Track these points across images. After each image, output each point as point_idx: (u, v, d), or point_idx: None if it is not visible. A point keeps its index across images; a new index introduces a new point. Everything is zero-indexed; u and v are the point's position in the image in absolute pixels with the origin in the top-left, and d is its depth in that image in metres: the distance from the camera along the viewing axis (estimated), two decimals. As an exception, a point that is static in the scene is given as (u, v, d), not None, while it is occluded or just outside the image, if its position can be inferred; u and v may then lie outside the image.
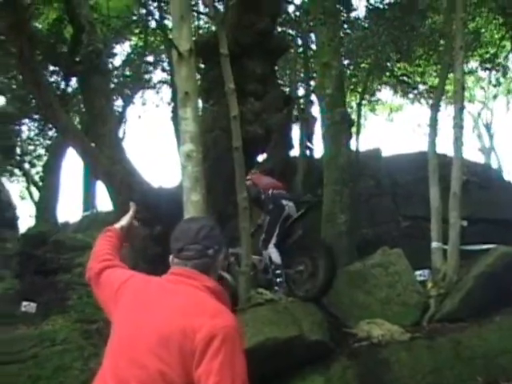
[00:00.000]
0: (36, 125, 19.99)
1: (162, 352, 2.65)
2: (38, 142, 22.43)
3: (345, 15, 13.40)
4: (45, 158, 22.04)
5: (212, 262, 2.98)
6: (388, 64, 19.04)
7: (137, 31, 19.91)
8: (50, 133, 20.60)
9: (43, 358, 8.03)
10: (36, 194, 23.89)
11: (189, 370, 2.62)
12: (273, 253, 8.76)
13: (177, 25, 5.43)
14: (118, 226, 3.59)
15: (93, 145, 9.37)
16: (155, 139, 66.28)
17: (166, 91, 22.77)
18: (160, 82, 22.66)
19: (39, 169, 22.83)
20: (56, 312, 10.22)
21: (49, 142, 21.61)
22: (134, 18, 18.84)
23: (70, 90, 15.59)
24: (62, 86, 15.39)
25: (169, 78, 21.50)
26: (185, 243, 2.97)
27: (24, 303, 11.12)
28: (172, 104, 21.21)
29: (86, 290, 9.85)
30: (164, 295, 2.85)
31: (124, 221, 3.65)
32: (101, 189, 24.61)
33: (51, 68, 13.91)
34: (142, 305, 2.85)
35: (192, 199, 5.04)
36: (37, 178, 24.62)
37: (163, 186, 8.93)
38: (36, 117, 18.35)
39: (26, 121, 19.19)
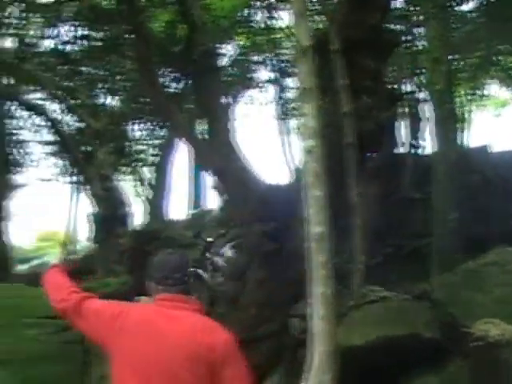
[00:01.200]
0: (147, 125, 20.54)
1: (193, 366, 3.23)
2: (148, 142, 23.07)
3: (455, 9, 13.11)
4: (154, 158, 22.55)
5: (188, 286, 3.54)
6: (496, 58, 18.55)
7: (243, 31, 20.04)
8: (160, 132, 21.12)
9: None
10: (146, 192, 24.46)
11: (214, 375, 3.26)
12: None
13: (297, 22, 5.49)
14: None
15: (206, 143, 9.58)
16: (260, 137, 67.10)
17: (271, 90, 22.96)
18: (266, 81, 22.84)
19: (149, 167, 23.39)
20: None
21: (158, 142, 22.14)
22: (241, 17, 18.99)
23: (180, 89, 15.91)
24: (172, 86, 15.78)
25: (274, 77, 21.72)
26: (168, 272, 3.49)
27: (136, 298, 11.42)
28: (279, 102, 21.41)
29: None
30: (175, 321, 3.35)
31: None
32: (209, 187, 25.04)
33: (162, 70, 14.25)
34: (157, 333, 3.32)
35: (314, 194, 5.09)
36: (147, 176, 25.27)
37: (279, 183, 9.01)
38: (146, 117, 18.86)
39: (137, 121, 19.72)
